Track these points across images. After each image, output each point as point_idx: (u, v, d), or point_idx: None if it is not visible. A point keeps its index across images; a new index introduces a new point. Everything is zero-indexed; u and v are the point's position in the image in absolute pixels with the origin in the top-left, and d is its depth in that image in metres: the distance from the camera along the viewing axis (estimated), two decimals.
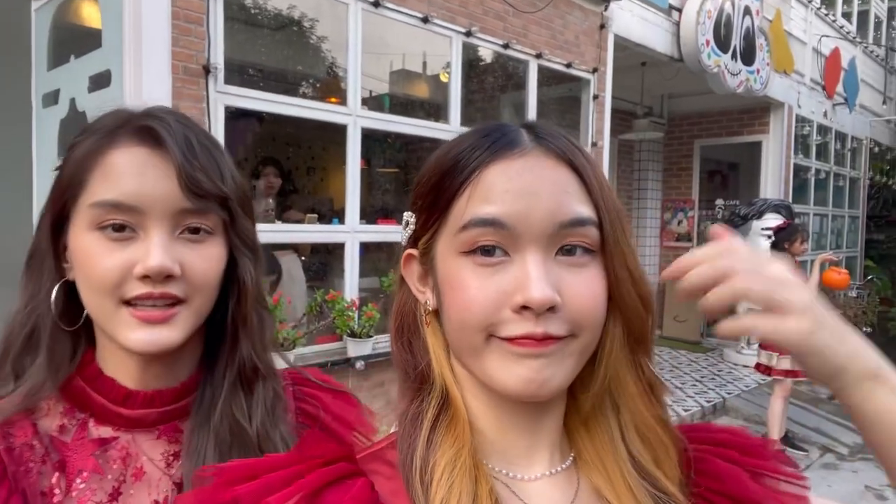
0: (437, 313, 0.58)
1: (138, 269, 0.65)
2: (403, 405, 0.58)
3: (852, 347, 0.52)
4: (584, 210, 0.53)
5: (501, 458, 0.56)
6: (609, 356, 0.57)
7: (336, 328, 3.69)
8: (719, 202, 8.53)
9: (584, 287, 0.52)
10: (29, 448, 0.67)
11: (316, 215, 4.28)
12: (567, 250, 0.53)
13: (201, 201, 0.68)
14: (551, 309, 0.50)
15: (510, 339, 0.51)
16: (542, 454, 0.57)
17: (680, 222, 8.46)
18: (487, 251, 0.52)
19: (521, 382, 0.51)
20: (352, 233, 3.82)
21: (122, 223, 0.66)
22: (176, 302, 0.68)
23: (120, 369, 0.72)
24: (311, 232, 4.13)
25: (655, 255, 8.50)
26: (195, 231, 0.70)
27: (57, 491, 0.66)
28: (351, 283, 3.80)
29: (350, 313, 3.67)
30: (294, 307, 3.81)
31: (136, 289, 0.66)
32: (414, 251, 0.59)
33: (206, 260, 0.70)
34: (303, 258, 4.49)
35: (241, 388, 0.75)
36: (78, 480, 0.67)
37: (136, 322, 0.66)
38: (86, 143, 0.69)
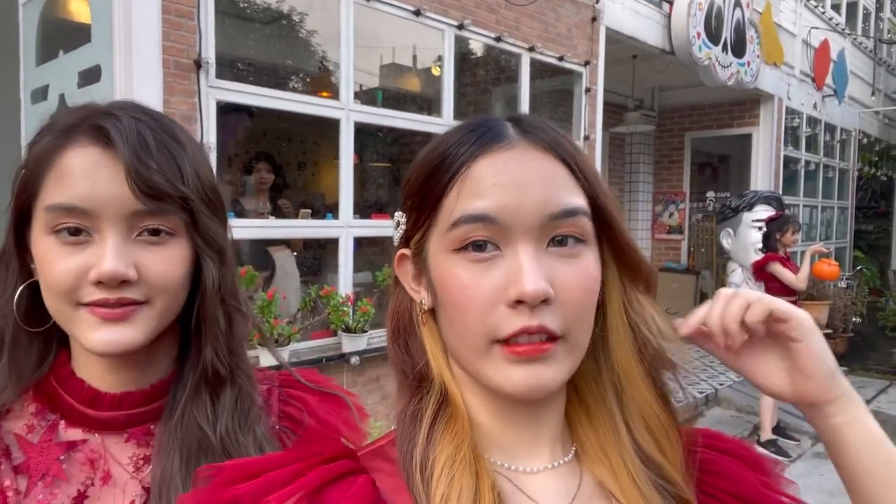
0: (433, 312, 0.57)
1: (92, 275, 0.63)
2: (402, 404, 0.58)
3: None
4: (575, 200, 0.53)
5: (503, 453, 0.56)
6: (615, 343, 0.57)
7: (331, 323, 3.68)
8: (710, 194, 8.57)
9: (576, 277, 0.52)
10: None
11: (309, 210, 4.27)
12: (558, 241, 0.52)
13: (155, 202, 0.65)
14: (545, 301, 0.50)
15: (509, 346, 0.51)
16: (544, 448, 0.57)
17: (671, 215, 8.48)
18: (479, 246, 0.52)
19: (519, 386, 0.51)
20: (345, 227, 3.81)
21: (76, 226, 0.64)
22: (135, 304, 0.66)
23: (90, 371, 0.70)
24: (305, 227, 4.12)
25: (647, 248, 8.53)
26: (155, 233, 0.67)
27: (10, 493, 0.64)
28: (345, 278, 3.79)
29: (345, 308, 3.66)
30: (288, 303, 3.80)
31: (92, 294, 0.64)
32: (406, 251, 0.59)
33: (165, 262, 0.67)
34: (295, 253, 4.47)
35: (206, 392, 0.72)
36: (40, 484, 0.65)
37: (95, 320, 0.64)
38: (42, 142, 0.67)
